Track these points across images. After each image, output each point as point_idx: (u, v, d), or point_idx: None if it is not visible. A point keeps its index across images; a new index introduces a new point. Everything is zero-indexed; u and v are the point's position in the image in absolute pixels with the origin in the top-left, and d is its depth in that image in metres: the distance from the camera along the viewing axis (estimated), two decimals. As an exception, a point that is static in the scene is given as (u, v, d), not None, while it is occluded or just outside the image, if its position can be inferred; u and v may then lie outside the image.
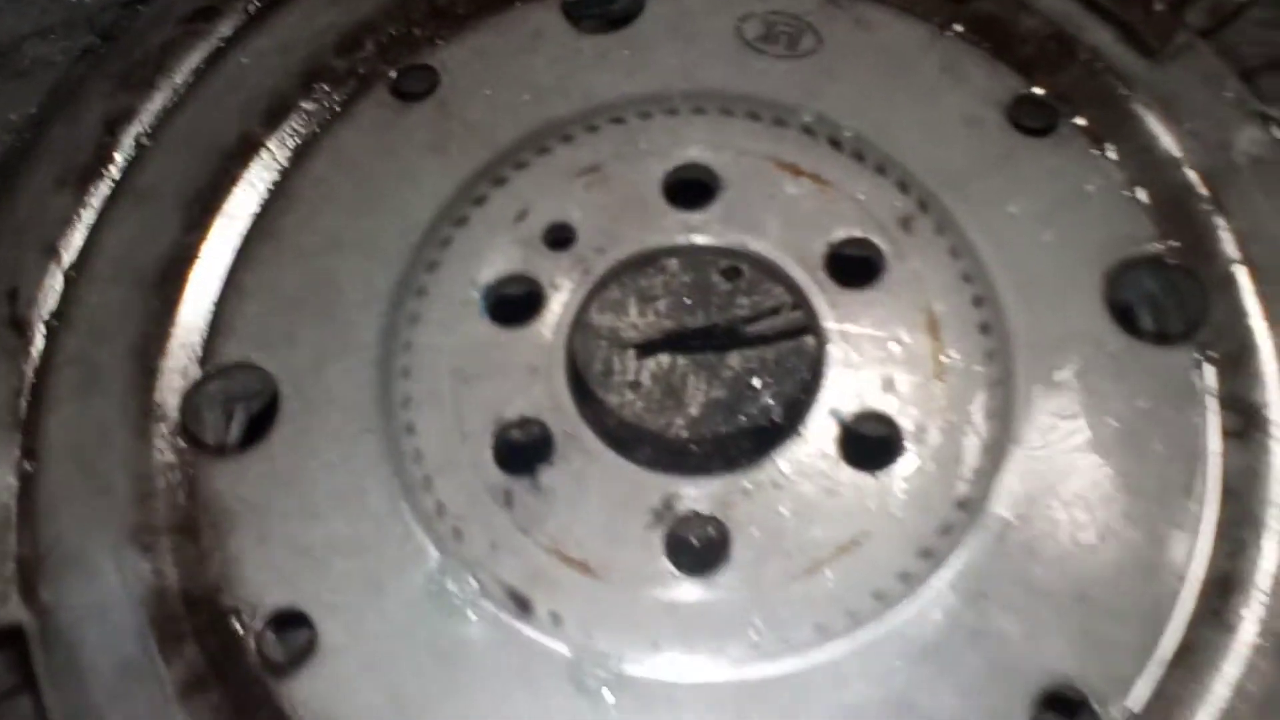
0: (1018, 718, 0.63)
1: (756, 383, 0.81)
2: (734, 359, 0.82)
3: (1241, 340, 0.72)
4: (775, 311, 0.84)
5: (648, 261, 0.77)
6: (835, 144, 0.78)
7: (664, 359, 0.81)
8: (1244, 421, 0.70)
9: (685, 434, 0.73)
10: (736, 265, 0.82)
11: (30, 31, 1.06)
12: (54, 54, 1.04)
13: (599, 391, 0.76)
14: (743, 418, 0.78)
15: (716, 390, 0.80)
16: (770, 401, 0.80)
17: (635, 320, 0.77)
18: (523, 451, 0.70)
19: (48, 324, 0.73)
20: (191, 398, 0.72)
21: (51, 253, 0.75)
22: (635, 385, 0.78)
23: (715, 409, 0.79)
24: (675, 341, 0.82)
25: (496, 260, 0.75)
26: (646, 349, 0.81)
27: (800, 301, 0.74)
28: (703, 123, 0.80)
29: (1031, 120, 0.79)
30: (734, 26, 0.83)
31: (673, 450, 0.72)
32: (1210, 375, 0.71)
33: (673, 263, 0.81)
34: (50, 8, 1.07)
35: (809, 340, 0.76)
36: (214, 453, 0.71)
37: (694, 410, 0.77)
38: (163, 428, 0.71)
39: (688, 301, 0.84)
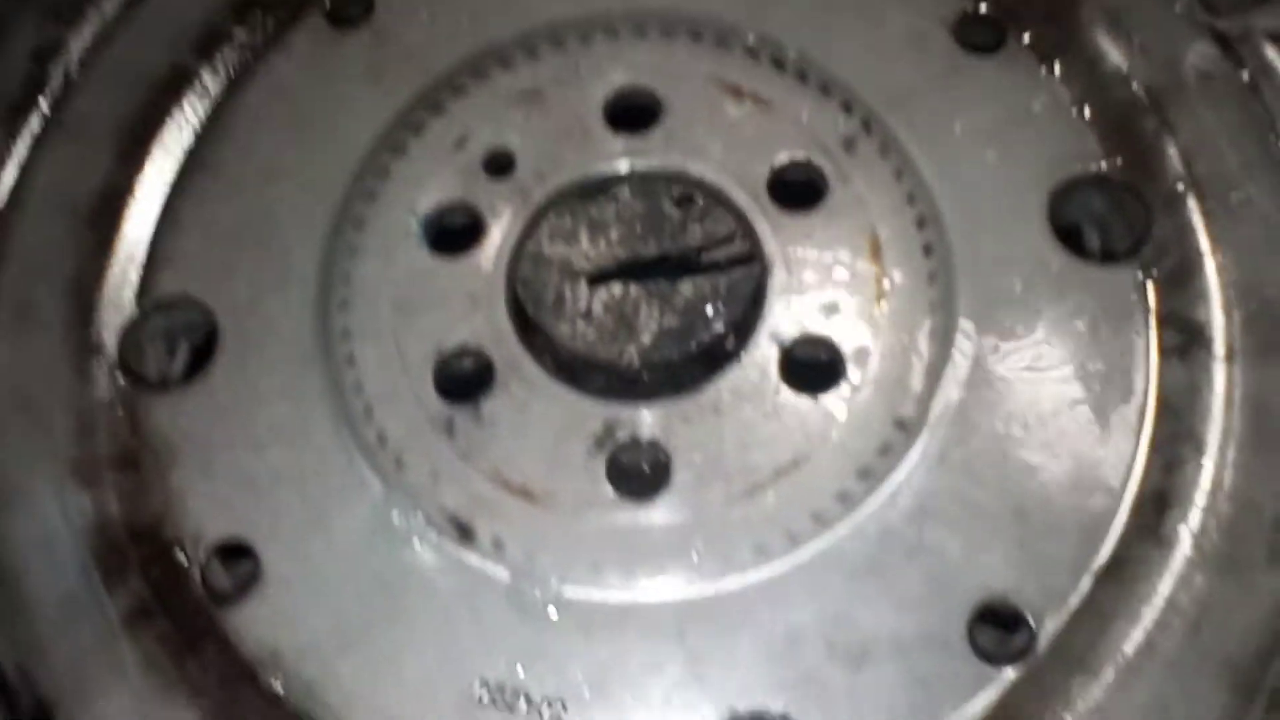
0: (955, 632, 0.64)
1: (709, 310, 0.80)
2: (686, 287, 0.82)
3: (1185, 258, 0.72)
4: (730, 239, 0.83)
5: (589, 188, 0.76)
6: (778, 64, 0.77)
7: (616, 288, 0.81)
8: (1185, 339, 0.70)
9: (628, 362, 0.73)
10: (688, 193, 0.82)
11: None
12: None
13: (544, 320, 0.76)
14: (692, 344, 0.78)
15: (669, 319, 0.80)
16: (720, 329, 0.80)
17: (587, 249, 0.76)
18: (464, 381, 0.70)
19: (-19, 261, 0.73)
20: (130, 333, 0.72)
21: (-18, 188, 0.74)
22: (587, 315, 0.77)
23: (666, 337, 0.79)
24: (627, 270, 0.81)
25: (435, 189, 0.74)
26: (598, 278, 0.81)
27: (744, 226, 0.74)
28: (644, 45, 0.78)
29: (978, 37, 0.78)
30: (676, -56, 0.81)
31: (614, 378, 0.72)
32: (1151, 293, 0.71)
33: (620, 190, 0.80)
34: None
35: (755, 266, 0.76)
36: (155, 387, 0.71)
37: (645, 338, 0.77)
38: (102, 363, 0.71)
39: (639, 230, 0.83)
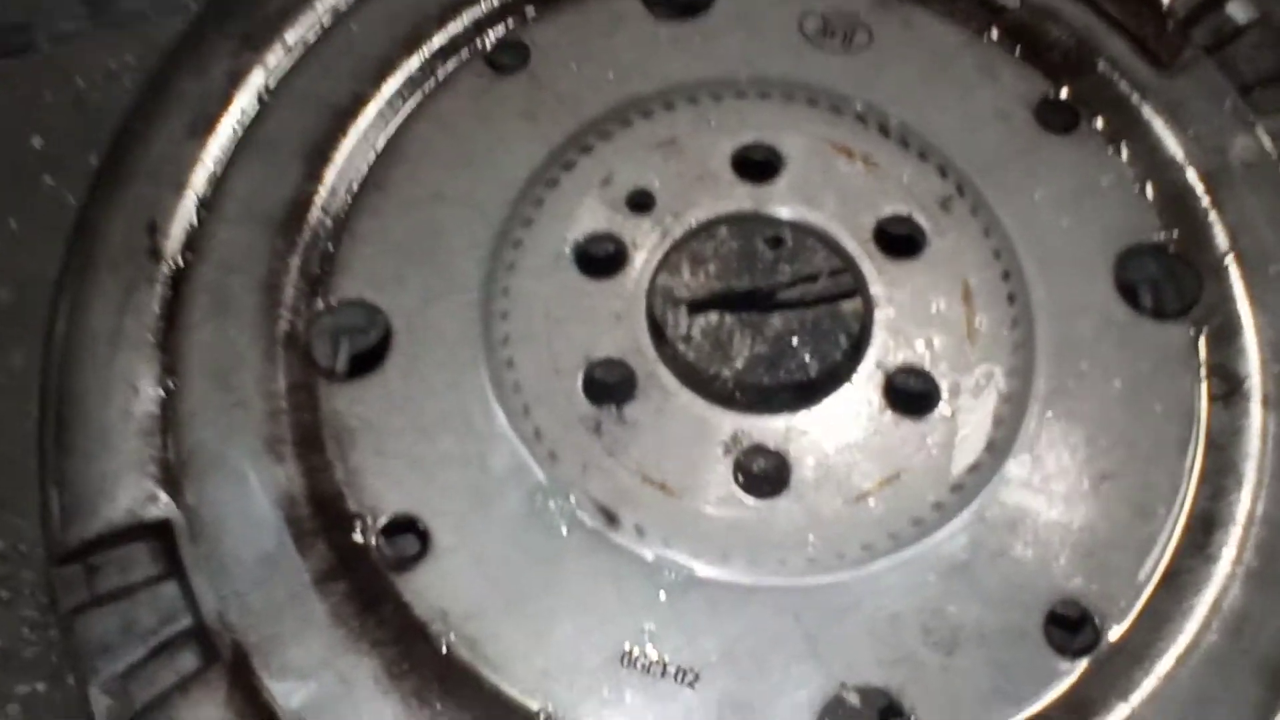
0: (1032, 626, 0.74)
1: (795, 341, 0.92)
2: (777, 319, 0.94)
3: (1228, 319, 0.84)
4: (813, 278, 0.95)
5: (721, 226, 0.87)
6: (884, 130, 0.88)
7: (715, 316, 0.92)
8: (1228, 388, 0.82)
9: (752, 379, 0.83)
10: (779, 235, 0.93)
11: (123, -14, 1.13)
12: (144, 7, 1.12)
13: (675, 340, 0.86)
14: (794, 368, 0.89)
15: (760, 346, 0.92)
16: (808, 358, 0.91)
17: (711, 280, 0.87)
18: (609, 387, 0.80)
19: (183, 255, 0.81)
20: (312, 328, 0.81)
21: (184, 192, 0.83)
22: (715, 336, 0.88)
23: (771, 359, 0.90)
24: (730, 300, 0.92)
25: (584, 220, 0.84)
26: (700, 306, 0.92)
27: (852, 269, 0.85)
28: (767, 106, 0.89)
29: (1055, 119, 0.90)
30: (795, 21, 0.92)
31: (742, 392, 0.82)
32: (1201, 348, 0.82)
33: (734, 229, 0.91)
34: (142, -36, 1.14)
35: (857, 303, 0.87)
36: (334, 377, 0.80)
37: (753, 357, 0.88)
38: (288, 353, 0.80)
39: (760, 265, 0.95)
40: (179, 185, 0.83)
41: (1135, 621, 0.75)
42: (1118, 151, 0.88)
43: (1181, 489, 0.78)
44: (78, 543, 0.74)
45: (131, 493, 0.74)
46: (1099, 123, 0.89)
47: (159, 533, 0.74)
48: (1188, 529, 0.77)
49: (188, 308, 0.80)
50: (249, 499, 0.74)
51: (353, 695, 0.71)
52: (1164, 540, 0.77)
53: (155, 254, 0.81)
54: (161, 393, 0.77)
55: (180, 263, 0.81)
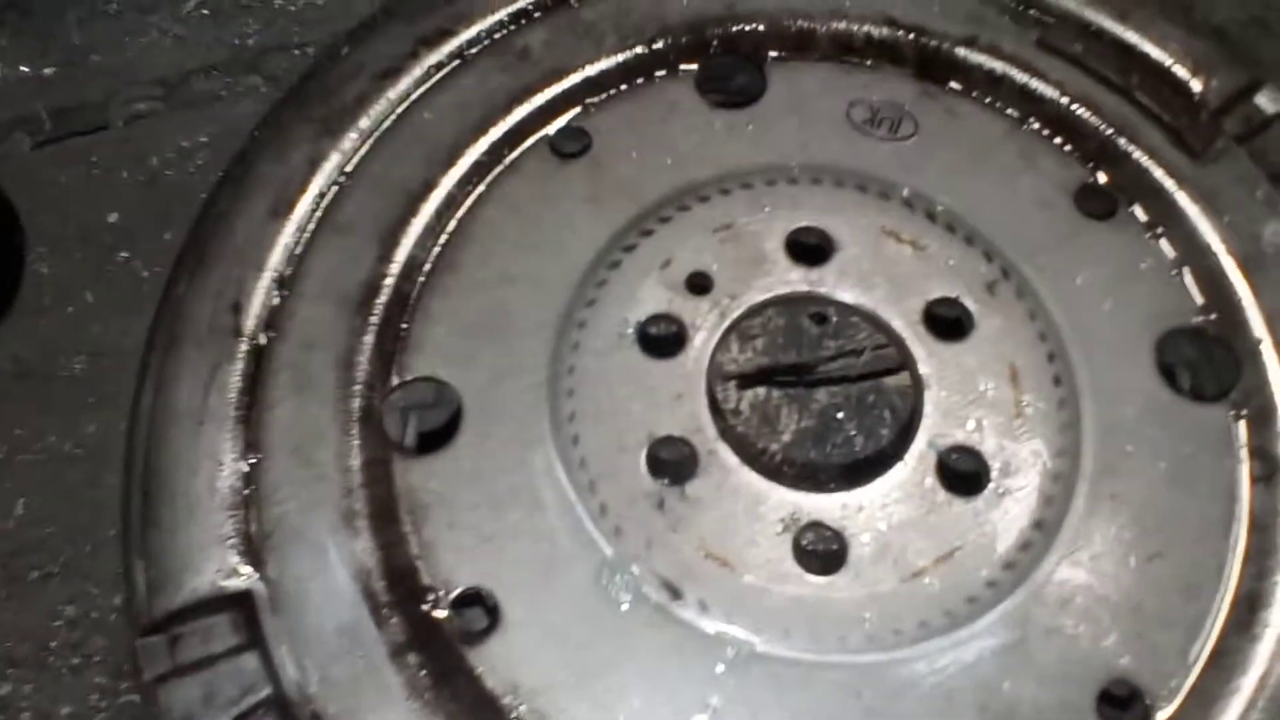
0: (1085, 703, 0.76)
1: (841, 415, 0.95)
2: (823, 394, 0.97)
3: (1266, 402, 0.87)
4: (858, 354, 0.98)
5: (775, 307, 0.90)
6: (930, 216, 0.92)
7: (759, 392, 0.95)
8: (1268, 469, 0.85)
9: (809, 456, 0.86)
10: (823, 312, 0.97)
11: (196, 67, 1.19)
12: (219, 89, 1.17)
13: (736, 421, 0.89)
14: (840, 443, 0.92)
15: (808, 420, 0.95)
16: (854, 433, 0.94)
17: (737, 355, 0.91)
18: (672, 464, 0.83)
19: (265, 333, 0.85)
20: (387, 404, 0.84)
21: (265, 271, 0.87)
22: (775, 418, 0.92)
23: (818, 433, 0.93)
24: (779, 375, 0.96)
25: (646, 301, 0.88)
26: (749, 380, 0.95)
27: (902, 350, 0.88)
28: (819, 191, 0.93)
29: (1095, 206, 0.94)
30: (844, 110, 0.97)
31: (799, 469, 0.85)
32: (1241, 430, 0.85)
33: (797, 311, 0.95)
34: (215, 46, 1.19)
35: (902, 379, 0.90)
36: (407, 453, 0.83)
37: (800, 430, 0.91)
38: (363, 429, 0.83)
39: (784, 341, 0.98)
40: (260, 265, 0.87)
41: (1184, 701, 0.77)
42: (1156, 236, 0.92)
43: (1226, 569, 0.81)
44: (162, 614, 0.77)
45: (215, 565, 0.78)
46: (1137, 209, 0.93)
47: (241, 604, 0.77)
48: (1234, 608, 0.80)
49: (269, 384, 0.83)
50: (328, 572, 0.77)
51: (429, 767, 0.73)
52: (1211, 620, 0.79)
53: (239, 332, 0.85)
54: (245, 467, 0.81)
55: (262, 340, 0.85)
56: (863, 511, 0.81)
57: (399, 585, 0.78)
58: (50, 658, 0.91)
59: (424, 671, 0.75)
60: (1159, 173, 0.95)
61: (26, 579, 0.94)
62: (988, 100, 0.98)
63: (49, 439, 1.00)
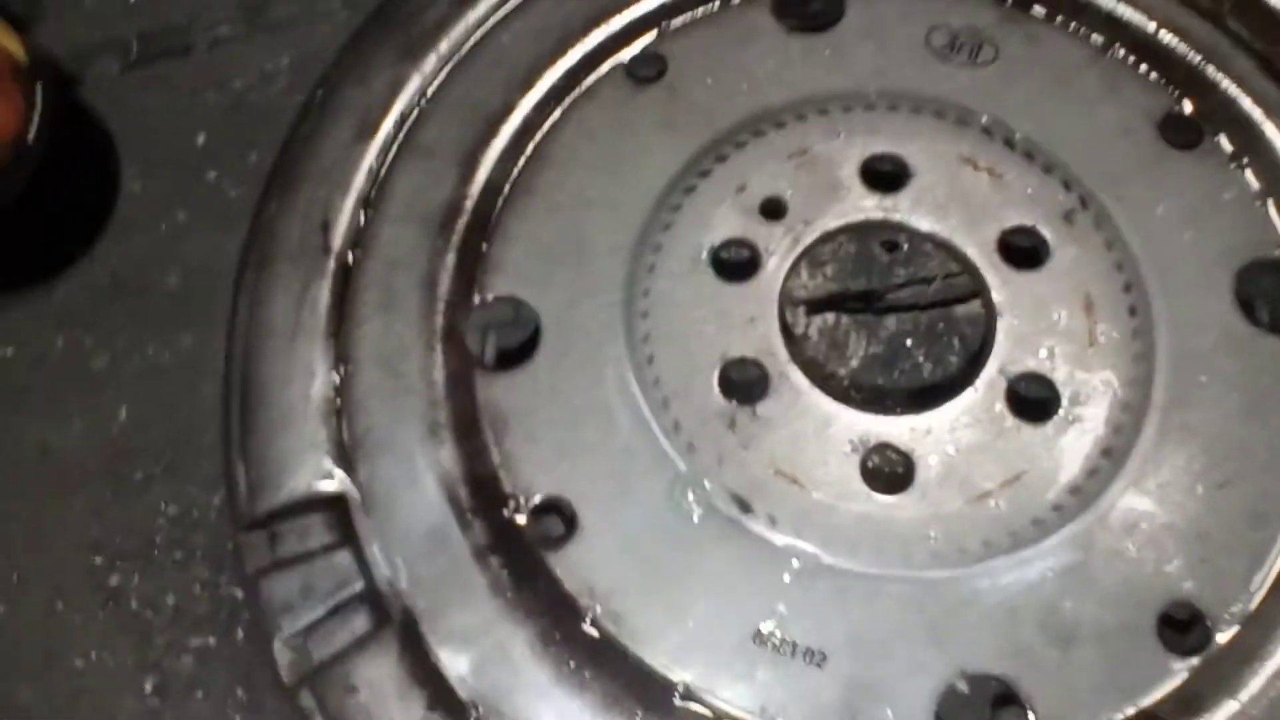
0: (1146, 625, 0.78)
1: (909, 342, 0.96)
2: (892, 320, 0.97)
3: (1345, 337, 0.86)
4: (928, 282, 0.98)
5: (848, 234, 0.91)
6: (1009, 144, 0.92)
7: (829, 317, 0.96)
8: (1343, 403, 0.84)
9: (879, 381, 0.88)
10: (895, 240, 0.97)
11: (273, -8, 1.21)
12: (297, 13, 1.19)
13: (806, 345, 0.90)
14: (909, 369, 0.93)
15: (876, 347, 0.96)
16: (922, 360, 0.95)
17: (807, 282, 0.91)
18: (743, 385, 0.85)
19: (352, 252, 0.88)
20: (469, 323, 0.88)
21: (353, 193, 0.90)
22: (830, 337, 0.92)
23: (886, 359, 0.94)
24: (850, 301, 0.97)
25: (720, 225, 0.90)
26: (818, 306, 0.96)
27: (975, 277, 0.88)
28: (895, 118, 0.93)
29: (1179, 135, 0.92)
30: (923, 36, 0.96)
31: (869, 393, 0.86)
32: (1318, 364, 0.85)
33: (874, 237, 0.95)
34: (292, -29, 1.22)
35: (971, 309, 0.90)
36: (488, 369, 0.87)
37: (868, 357, 0.92)
38: (446, 345, 0.86)
39: (854, 268, 0.98)
40: (346, 186, 0.90)
41: (1245, 626, 0.78)
42: (1240, 167, 0.91)
43: (1294, 499, 0.81)
44: (262, 512, 0.81)
45: (311, 468, 0.82)
46: (1223, 139, 0.91)
47: (335, 505, 0.81)
48: (1300, 537, 0.80)
49: (357, 301, 0.87)
50: (415, 478, 0.81)
51: (511, 661, 0.77)
52: (1277, 548, 0.80)
53: (327, 250, 0.88)
54: (336, 379, 0.85)
55: (350, 258, 0.89)
56: (931, 434, 0.83)
57: (481, 492, 0.82)
58: (155, 552, 0.97)
59: (506, 572, 0.79)
60: (1247, 102, 0.93)
61: (132, 480, 1.00)
62: (1071, 26, 0.96)
63: (147, 351, 1.05)
